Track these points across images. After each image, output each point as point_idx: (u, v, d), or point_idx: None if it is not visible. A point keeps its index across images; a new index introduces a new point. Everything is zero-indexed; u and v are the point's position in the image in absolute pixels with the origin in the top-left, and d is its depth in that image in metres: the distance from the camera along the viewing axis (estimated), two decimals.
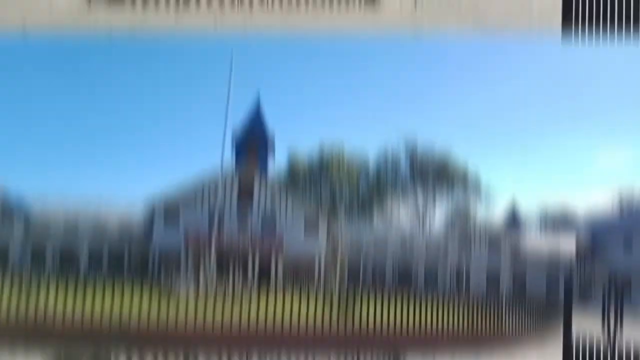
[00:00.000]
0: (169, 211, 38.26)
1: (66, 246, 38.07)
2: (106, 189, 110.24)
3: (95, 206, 41.52)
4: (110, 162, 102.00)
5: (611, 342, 4.83)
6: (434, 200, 69.07)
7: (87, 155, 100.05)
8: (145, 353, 7.51)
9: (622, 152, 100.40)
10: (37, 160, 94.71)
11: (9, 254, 36.55)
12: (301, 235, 38.67)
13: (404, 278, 41.84)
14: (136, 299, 9.00)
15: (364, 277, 40.82)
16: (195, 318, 8.42)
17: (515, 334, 10.41)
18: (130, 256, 38.79)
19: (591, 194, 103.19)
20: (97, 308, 8.23)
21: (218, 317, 8.74)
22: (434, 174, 67.49)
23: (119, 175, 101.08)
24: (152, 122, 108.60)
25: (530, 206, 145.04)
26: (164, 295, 9.17)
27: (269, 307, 8.78)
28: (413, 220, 68.67)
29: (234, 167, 41.43)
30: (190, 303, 8.96)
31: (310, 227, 39.47)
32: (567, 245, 45.15)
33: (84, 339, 7.70)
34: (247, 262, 34.66)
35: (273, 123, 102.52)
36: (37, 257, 37.18)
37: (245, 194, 39.47)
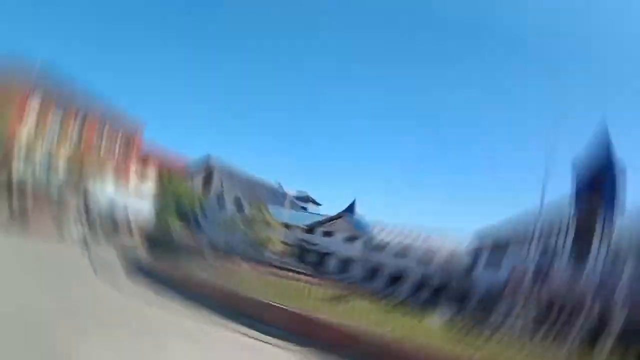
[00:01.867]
0: (495, 247, 37.75)
1: (396, 268, 41.54)
2: (438, 220, 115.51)
3: (426, 235, 43.66)
4: (443, 195, 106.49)
5: None
6: None
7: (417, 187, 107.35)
8: None
9: None
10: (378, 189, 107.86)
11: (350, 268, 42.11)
12: None
13: None
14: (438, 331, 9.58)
15: None
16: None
17: None
18: (451, 288, 38.91)
19: None
20: (406, 331, 9.43)
21: None
22: None
23: (452, 207, 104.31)
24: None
25: None
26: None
27: None
28: None
29: (573, 204, 36.94)
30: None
31: None
32: None
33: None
34: (579, 313, 30.71)
35: (625, 155, 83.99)
36: (372, 275, 41.43)
37: (583, 237, 34.93)
